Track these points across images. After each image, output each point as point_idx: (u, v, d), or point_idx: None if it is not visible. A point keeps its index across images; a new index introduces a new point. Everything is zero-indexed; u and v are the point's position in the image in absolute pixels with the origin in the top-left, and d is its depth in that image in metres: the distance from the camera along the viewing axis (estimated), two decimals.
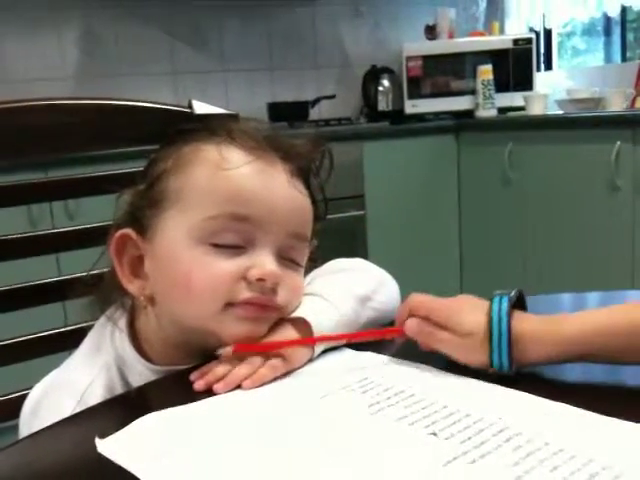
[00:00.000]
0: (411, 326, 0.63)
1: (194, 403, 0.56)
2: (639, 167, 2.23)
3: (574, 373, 0.58)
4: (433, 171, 2.96)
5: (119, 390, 0.66)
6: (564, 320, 0.58)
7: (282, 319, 0.65)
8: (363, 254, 2.67)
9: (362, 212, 2.78)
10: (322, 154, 0.69)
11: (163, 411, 0.54)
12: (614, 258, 2.37)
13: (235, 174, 0.62)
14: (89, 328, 0.71)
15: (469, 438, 0.48)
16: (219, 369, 0.60)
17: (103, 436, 0.50)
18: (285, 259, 0.65)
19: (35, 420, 0.58)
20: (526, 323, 0.58)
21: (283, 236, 0.63)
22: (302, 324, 0.64)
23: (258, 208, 0.61)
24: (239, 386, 0.58)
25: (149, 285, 0.65)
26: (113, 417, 0.58)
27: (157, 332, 0.66)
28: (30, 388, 0.71)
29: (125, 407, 0.60)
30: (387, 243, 2.82)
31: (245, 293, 0.61)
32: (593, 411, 0.50)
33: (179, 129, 0.68)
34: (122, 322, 0.68)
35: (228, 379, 0.58)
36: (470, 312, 0.60)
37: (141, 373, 0.66)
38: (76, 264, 0.76)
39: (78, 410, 0.60)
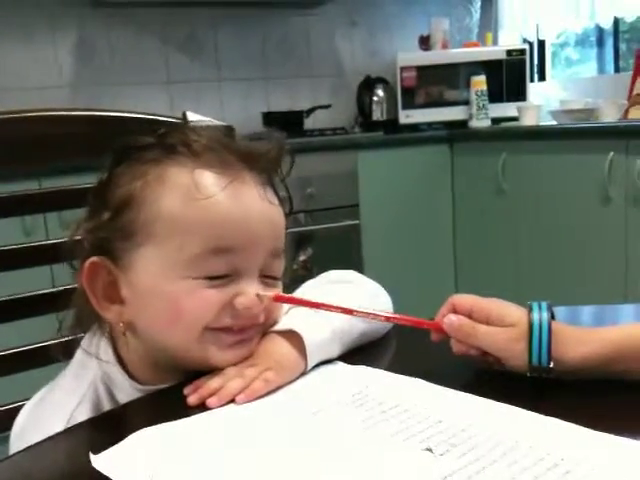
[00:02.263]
0: (451, 321, 0.62)
1: (188, 418, 0.55)
2: (632, 178, 2.24)
3: (571, 390, 0.58)
4: (427, 181, 2.97)
5: (107, 408, 0.66)
6: (602, 328, 0.60)
7: (272, 332, 0.65)
8: (357, 263, 2.67)
9: (356, 221, 2.78)
10: (288, 155, 0.66)
11: (157, 426, 0.54)
12: (606, 268, 2.38)
13: (211, 203, 0.60)
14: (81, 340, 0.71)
15: (464, 454, 0.48)
16: (213, 383, 0.59)
17: (97, 451, 0.50)
18: (266, 277, 0.65)
19: (23, 443, 0.57)
20: (565, 325, 0.60)
21: (264, 257, 0.63)
22: (293, 336, 0.63)
23: (239, 237, 0.60)
24: (233, 400, 0.58)
25: (127, 311, 0.63)
26: (105, 432, 0.57)
27: (139, 355, 0.66)
28: (26, 399, 0.71)
29: (118, 422, 0.60)
30: (381, 252, 2.82)
31: (227, 320, 0.61)
32: (590, 427, 0.50)
33: (128, 146, 0.64)
34: (104, 343, 0.67)
35: (221, 393, 0.58)
36: (513, 307, 0.62)
37: (128, 392, 0.66)
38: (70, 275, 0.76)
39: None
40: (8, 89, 2.69)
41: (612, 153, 2.28)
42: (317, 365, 0.65)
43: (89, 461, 0.49)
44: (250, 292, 0.61)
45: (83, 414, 0.64)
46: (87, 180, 0.88)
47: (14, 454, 0.52)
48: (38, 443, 0.54)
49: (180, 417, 0.55)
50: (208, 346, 0.61)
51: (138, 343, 0.65)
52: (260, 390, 0.58)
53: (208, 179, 0.60)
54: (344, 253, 2.68)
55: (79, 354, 0.69)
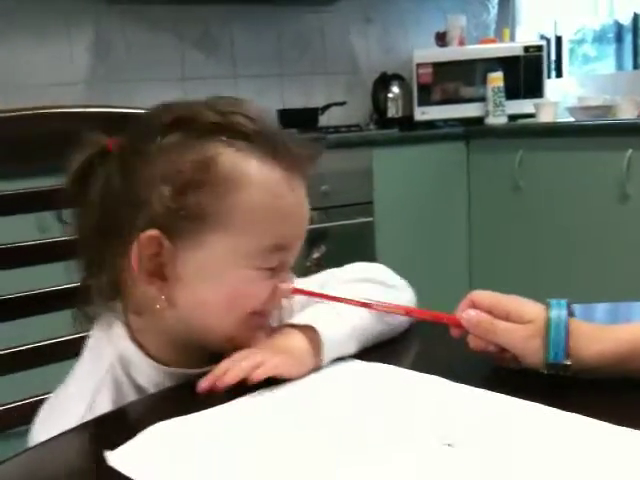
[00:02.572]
0: (470, 317, 0.63)
1: (202, 412, 0.55)
2: None
3: (588, 388, 0.57)
4: (443, 178, 2.95)
5: (127, 390, 0.66)
6: (618, 325, 0.60)
7: (291, 326, 0.66)
8: (371, 261, 2.65)
9: (370, 219, 2.77)
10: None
11: (170, 420, 0.54)
12: (624, 266, 2.36)
13: (284, 203, 0.64)
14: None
15: (485, 449, 0.47)
16: (221, 366, 0.60)
17: (113, 447, 0.50)
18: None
19: (44, 434, 0.58)
20: (582, 322, 0.60)
21: (298, 251, 0.68)
22: (311, 332, 0.64)
23: (296, 236, 0.66)
24: (246, 392, 0.58)
25: (171, 288, 0.64)
26: (120, 427, 0.58)
27: (163, 333, 0.67)
28: (45, 393, 0.71)
29: (132, 417, 0.60)
30: (395, 250, 2.81)
31: (265, 305, 0.66)
32: (610, 422, 0.49)
33: (184, 117, 0.64)
34: (118, 325, 0.68)
35: (231, 371, 0.59)
36: (532, 304, 0.62)
37: (147, 373, 0.66)
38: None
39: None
40: (23, 85, 2.70)
41: (630, 150, 2.26)
42: (333, 362, 0.65)
43: (96, 460, 0.49)
44: (291, 282, 0.67)
45: (105, 398, 0.64)
46: None
47: (21, 452, 0.53)
48: (51, 439, 0.54)
49: (196, 411, 0.55)
50: (243, 327, 0.65)
51: (166, 320, 0.65)
52: (267, 372, 0.59)
53: (284, 179, 0.64)
54: (358, 251, 2.67)
55: (92, 342, 0.69)
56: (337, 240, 2.63)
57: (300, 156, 0.66)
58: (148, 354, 0.67)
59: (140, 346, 0.67)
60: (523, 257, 2.77)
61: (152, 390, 0.66)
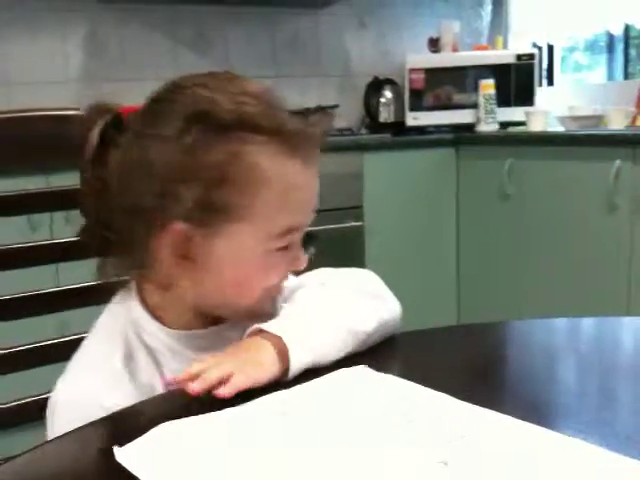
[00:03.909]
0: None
1: (210, 413, 0.56)
2: (638, 186, 2.23)
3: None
4: (432, 184, 2.96)
5: (139, 354, 0.70)
6: None
7: (260, 329, 0.66)
8: (360, 265, 2.66)
9: (360, 223, 2.78)
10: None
11: (178, 421, 0.55)
12: (611, 275, 2.38)
13: (301, 194, 0.69)
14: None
15: (479, 469, 0.48)
16: (192, 369, 0.61)
17: (121, 444, 0.51)
18: None
19: (66, 406, 0.63)
20: None
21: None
22: (280, 346, 0.64)
23: (308, 218, 0.71)
24: (251, 397, 0.59)
25: (196, 269, 0.68)
26: (128, 425, 0.59)
27: (180, 306, 0.71)
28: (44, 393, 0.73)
29: (140, 416, 0.61)
30: (384, 254, 2.82)
31: (281, 280, 0.73)
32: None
33: (204, 112, 0.66)
34: (133, 298, 0.72)
35: (201, 380, 0.60)
36: None
37: (156, 335, 0.71)
38: (75, 274, 0.76)
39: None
40: (16, 83, 2.70)
41: (619, 161, 2.27)
42: (339, 366, 0.66)
43: (103, 457, 0.50)
44: (303, 258, 0.73)
45: (117, 366, 0.69)
46: None
47: (22, 453, 0.53)
48: (60, 436, 0.55)
49: (203, 413, 0.56)
50: (259, 299, 0.71)
51: (185, 298, 0.70)
52: (232, 390, 0.59)
53: (300, 170, 0.68)
54: (347, 254, 2.68)
55: (104, 317, 0.74)
56: (327, 243, 2.63)
57: (312, 138, 0.70)
58: (158, 319, 0.72)
59: (154, 316, 0.72)
60: (511, 264, 2.78)
61: (163, 352, 0.71)
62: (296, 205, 0.69)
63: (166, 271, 0.69)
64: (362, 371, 0.65)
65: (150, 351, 0.71)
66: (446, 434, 0.53)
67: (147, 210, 0.67)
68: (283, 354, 0.63)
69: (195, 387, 0.59)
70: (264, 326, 0.66)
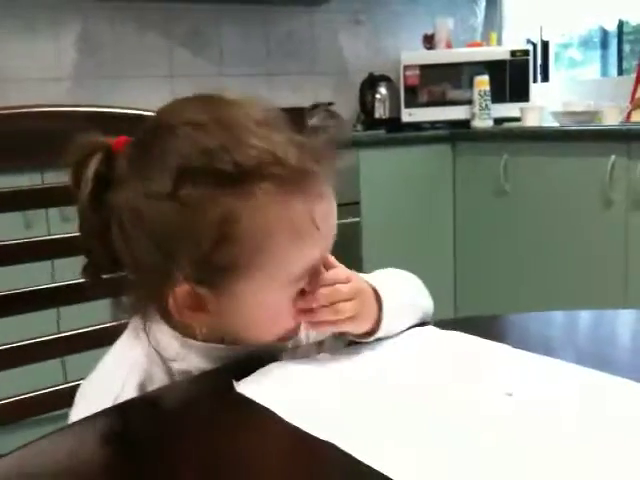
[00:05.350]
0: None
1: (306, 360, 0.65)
2: (633, 181, 2.24)
3: None
4: (428, 180, 2.97)
5: (157, 371, 0.67)
6: None
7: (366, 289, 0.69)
8: (357, 261, 2.67)
9: (357, 219, 2.78)
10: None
11: (288, 362, 0.64)
12: (607, 271, 2.38)
13: (314, 238, 0.63)
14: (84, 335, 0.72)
15: (542, 400, 0.55)
16: (321, 295, 0.64)
17: (105, 446, 0.53)
18: None
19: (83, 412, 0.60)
20: None
21: None
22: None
23: (325, 254, 0.67)
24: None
25: (214, 318, 0.64)
26: (145, 414, 0.60)
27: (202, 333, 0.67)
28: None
29: (160, 402, 0.62)
30: (381, 251, 2.82)
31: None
32: None
33: (192, 167, 0.59)
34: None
35: (333, 312, 0.64)
36: None
37: (174, 347, 0.67)
38: (70, 270, 0.76)
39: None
40: (8, 81, 2.69)
41: (614, 156, 2.28)
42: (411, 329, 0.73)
43: (92, 455, 0.51)
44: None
45: (134, 379, 0.65)
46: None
47: (17, 449, 0.53)
48: (41, 438, 0.55)
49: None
50: (285, 334, 0.68)
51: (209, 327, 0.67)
52: (347, 332, 0.67)
53: (309, 214, 0.61)
54: (344, 251, 2.66)
55: (131, 326, 0.70)
56: None
57: (322, 173, 0.63)
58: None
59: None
60: (507, 259, 2.79)
61: (181, 366, 0.67)
62: (310, 243, 0.62)
63: (179, 319, 0.64)
64: (430, 329, 0.74)
65: (169, 371, 0.67)
66: (510, 372, 0.60)
67: (149, 267, 0.62)
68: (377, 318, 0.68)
69: (317, 319, 0.64)
70: (379, 291, 0.69)
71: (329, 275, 0.66)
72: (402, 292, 0.74)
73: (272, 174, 0.59)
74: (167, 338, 0.67)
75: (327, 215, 0.64)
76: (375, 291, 0.69)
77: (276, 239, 0.60)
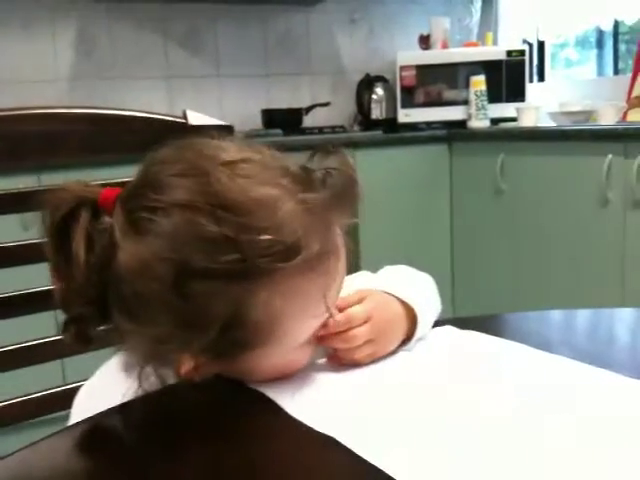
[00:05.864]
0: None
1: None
2: (630, 181, 2.24)
3: None
4: (425, 180, 2.97)
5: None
6: None
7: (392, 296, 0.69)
8: (354, 261, 2.66)
9: (354, 219, 2.77)
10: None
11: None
12: (604, 270, 2.38)
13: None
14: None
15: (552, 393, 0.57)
16: (340, 321, 0.63)
17: (98, 450, 0.50)
18: None
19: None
20: None
21: None
22: (410, 317, 0.69)
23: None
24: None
25: (226, 365, 0.62)
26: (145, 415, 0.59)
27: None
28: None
29: (158, 405, 0.61)
30: (378, 251, 2.81)
31: None
32: None
33: (189, 266, 0.53)
34: None
35: (350, 354, 0.65)
36: None
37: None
38: None
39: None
40: (5, 81, 2.68)
41: (610, 156, 2.28)
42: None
43: (88, 458, 0.51)
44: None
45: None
46: (86, 177, 0.88)
47: (15, 452, 0.53)
48: (39, 441, 0.55)
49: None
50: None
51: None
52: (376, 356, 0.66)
53: (324, 274, 0.58)
54: None
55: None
56: None
57: (334, 233, 0.62)
58: None
59: None
60: (504, 259, 2.79)
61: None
62: (321, 317, 0.61)
63: (181, 376, 0.61)
64: (449, 329, 0.76)
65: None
66: (527, 373, 0.62)
67: (155, 339, 0.57)
68: (410, 328, 0.69)
69: (345, 360, 0.64)
70: (401, 295, 0.70)
71: (342, 319, 0.64)
72: (428, 295, 0.76)
73: (282, 267, 0.54)
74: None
75: (340, 287, 0.62)
76: (402, 302, 0.70)
77: (287, 321, 0.58)
